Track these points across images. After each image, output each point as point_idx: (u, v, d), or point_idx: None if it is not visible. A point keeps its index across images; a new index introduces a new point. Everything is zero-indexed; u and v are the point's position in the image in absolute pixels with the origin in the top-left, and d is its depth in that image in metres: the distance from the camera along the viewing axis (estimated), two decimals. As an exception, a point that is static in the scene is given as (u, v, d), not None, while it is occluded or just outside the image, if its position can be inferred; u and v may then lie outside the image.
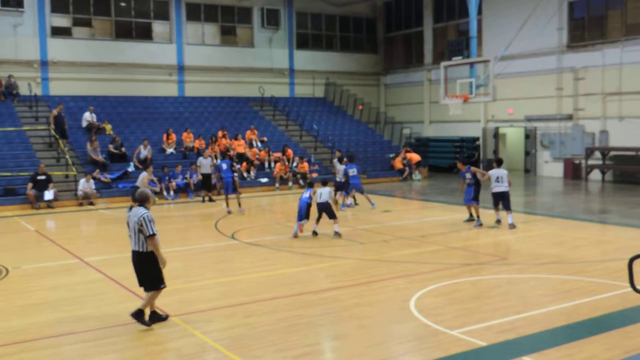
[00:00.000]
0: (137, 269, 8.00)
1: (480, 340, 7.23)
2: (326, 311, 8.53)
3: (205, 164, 21.65)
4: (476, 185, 15.57)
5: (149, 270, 7.92)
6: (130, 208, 16.06)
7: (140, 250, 7.86)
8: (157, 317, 8.09)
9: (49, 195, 20.16)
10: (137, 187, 16.66)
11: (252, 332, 7.69)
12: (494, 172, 14.98)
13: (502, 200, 14.91)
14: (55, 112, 23.88)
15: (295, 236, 14.07)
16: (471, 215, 15.84)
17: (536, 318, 8.04)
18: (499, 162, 15.37)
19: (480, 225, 15.23)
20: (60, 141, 23.26)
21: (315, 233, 14.30)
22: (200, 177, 22.09)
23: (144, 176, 17.41)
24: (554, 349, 6.95)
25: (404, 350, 7.16)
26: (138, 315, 7.91)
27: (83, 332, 7.84)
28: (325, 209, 14.15)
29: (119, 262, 11.98)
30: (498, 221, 15.18)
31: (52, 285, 10.41)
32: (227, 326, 7.97)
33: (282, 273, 10.91)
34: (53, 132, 23.26)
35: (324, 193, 14.24)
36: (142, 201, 8.04)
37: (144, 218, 7.74)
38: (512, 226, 14.73)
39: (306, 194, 14.21)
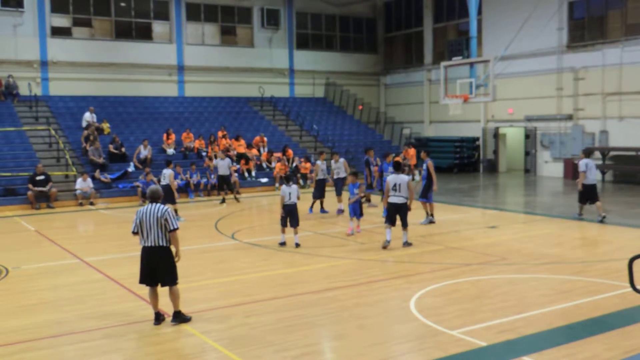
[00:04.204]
0: (157, 264, 8.00)
1: (480, 340, 7.23)
2: (326, 311, 8.53)
3: (222, 165, 21.00)
4: (428, 181, 15.41)
5: (170, 264, 8.06)
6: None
7: (165, 245, 7.98)
8: (161, 318, 8.12)
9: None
10: (167, 185, 16.47)
11: (252, 332, 7.69)
12: (392, 179, 12.50)
13: (399, 213, 12.53)
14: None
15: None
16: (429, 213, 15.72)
17: (536, 318, 8.04)
18: (397, 167, 12.84)
19: (431, 223, 15.33)
20: (60, 141, 23.28)
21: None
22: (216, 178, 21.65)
23: (171, 173, 16.99)
24: (554, 349, 6.95)
25: (404, 350, 7.16)
26: (177, 316, 8.05)
27: (83, 332, 7.84)
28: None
29: (119, 262, 11.99)
30: (386, 243, 12.58)
31: (52, 285, 10.41)
32: (227, 326, 7.97)
33: (282, 273, 10.92)
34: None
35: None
36: (156, 198, 8.18)
37: (168, 213, 7.99)
38: (407, 245, 12.68)
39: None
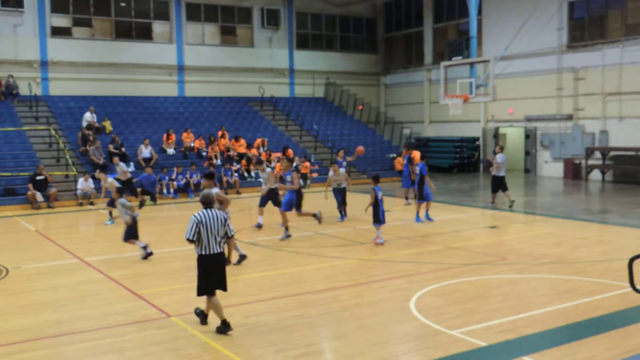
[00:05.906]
0: (218, 270, 7.70)
1: (480, 340, 7.23)
2: (326, 311, 8.53)
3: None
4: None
5: (225, 269, 7.88)
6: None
7: (223, 250, 7.81)
8: (205, 316, 8.08)
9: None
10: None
11: (252, 332, 7.69)
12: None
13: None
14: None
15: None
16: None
17: (536, 318, 8.04)
18: (209, 177, 11.74)
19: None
20: (60, 140, 23.30)
21: None
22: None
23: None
24: (554, 349, 6.95)
25: (404, 350, 7.16)
26: (227, 325, 7.67)
27: (83, 332, 7.84)
28: None
29: (119, 262, 12.00)
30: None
31: (52, 285, 10.41)
32: (227, 326, 7.97)
33: (282, 273, 10.92)
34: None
35: None
36: (210, 203, 7.79)
37: (228, 220, 7.87)
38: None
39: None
